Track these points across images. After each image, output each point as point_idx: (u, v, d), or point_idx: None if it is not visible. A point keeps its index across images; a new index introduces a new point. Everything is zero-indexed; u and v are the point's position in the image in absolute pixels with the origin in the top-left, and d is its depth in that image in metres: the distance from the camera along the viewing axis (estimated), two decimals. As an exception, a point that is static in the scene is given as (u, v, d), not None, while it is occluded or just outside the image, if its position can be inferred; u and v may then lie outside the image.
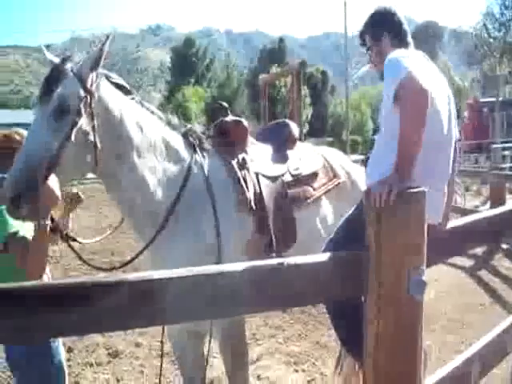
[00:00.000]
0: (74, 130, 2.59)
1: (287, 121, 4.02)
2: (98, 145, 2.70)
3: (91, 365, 5.19)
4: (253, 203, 3.16)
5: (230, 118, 3.48)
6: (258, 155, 3.45)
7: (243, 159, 3.30)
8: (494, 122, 33.47)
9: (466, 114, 34.33)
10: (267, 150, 3.62)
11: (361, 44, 2.99)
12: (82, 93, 2.65)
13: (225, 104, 3.65)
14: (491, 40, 40.34)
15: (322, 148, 4.26)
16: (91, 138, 2.68)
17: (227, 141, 3.36)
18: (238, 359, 3.16)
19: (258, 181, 3.28)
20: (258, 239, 3.17)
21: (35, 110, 2.67)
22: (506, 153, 17.98)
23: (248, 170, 3.27)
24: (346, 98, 38.79)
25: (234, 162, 3.25)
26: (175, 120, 3.25)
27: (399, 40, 2.81)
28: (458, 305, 6.66)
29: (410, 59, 2.47)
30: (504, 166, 13.18)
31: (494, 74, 38.20)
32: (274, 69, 33.59)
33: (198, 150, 3.19)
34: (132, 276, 1.60)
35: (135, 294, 1.57)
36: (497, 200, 9.28)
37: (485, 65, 40.18)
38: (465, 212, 7.29)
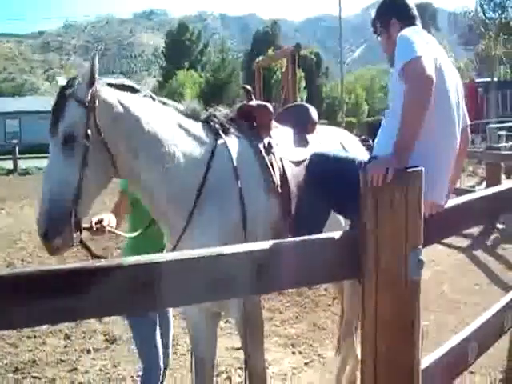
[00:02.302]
0: (87, 154, 2.67)
1: (307, 104, 4.01)
2: (114, 154, 2.77)
3: (89, 351, 5.20)
4: (279, 187, 3.19)
5: (254, 101, 3.47)
6: (281, 139, 3.46)
7: (269, 143, 3.30)
8: (489, 103, 33.43)
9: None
10: (289, 133, 3.61)
11: (373, 32, 3.04)
12: (85, 115, 2.70)
13: (249, 87, 3.64)
14: (487, 21, 40.21)
15: (336, 130, 4.28)
16: (105, 151, 2.75)
17: (252, 125, 3.37)
18: (255, 336, 3.19)
19: (283, 165, 3.30)
20: (282, 222, 3.20)
21: (50, 142, 2.74)
22: (502, 133, 17.97)
23: (274, 154, 3.28)
24: (341, 81, 38.67)
25: (261, 146, 3.26)
26: (194, 107, 3.24)
27: (408, 25, 2.81)
28: (455, 285, 6.70)
29: (420, 38, 2.50)
30: (499, 145, 13.18)
31: (489, 55, 38.12)
32: (270, 52, 33.41)
33: (221, 133, 3.18)
34: (129, 260, 1.60)
35: (133, 279, 1.57)
36: (493, 180, 9.29)
37: (480, 46, 40.07)
38: (460, 192, 7.28)
